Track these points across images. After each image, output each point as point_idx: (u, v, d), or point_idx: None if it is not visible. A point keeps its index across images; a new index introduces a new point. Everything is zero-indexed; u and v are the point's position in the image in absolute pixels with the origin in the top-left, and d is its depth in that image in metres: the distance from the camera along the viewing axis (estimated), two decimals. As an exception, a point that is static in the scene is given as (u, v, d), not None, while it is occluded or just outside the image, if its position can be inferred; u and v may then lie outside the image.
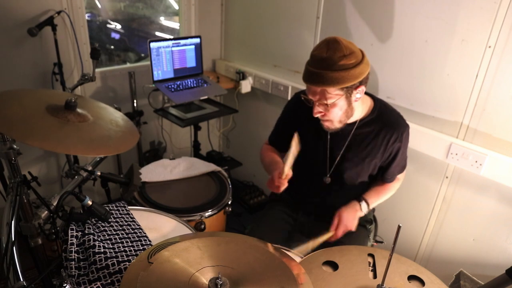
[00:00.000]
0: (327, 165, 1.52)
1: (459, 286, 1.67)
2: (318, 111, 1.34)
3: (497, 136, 1.60)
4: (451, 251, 1.89)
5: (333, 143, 1.48)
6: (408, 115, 1.88)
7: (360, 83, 1.29)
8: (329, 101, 1.30)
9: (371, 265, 1.08)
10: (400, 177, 1.63)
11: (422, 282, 1.04)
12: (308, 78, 1.30)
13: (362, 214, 1.51)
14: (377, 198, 1.56)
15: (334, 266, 1.07)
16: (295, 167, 1.60)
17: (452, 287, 1.71)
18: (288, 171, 1.39)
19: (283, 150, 1.67)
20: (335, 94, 1.28)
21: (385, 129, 1.42)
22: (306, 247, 1.41)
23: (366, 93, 1.46)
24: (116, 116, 1.24)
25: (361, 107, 1.43)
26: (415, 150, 1.86)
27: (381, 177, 1.57)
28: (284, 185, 1.39)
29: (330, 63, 1.23)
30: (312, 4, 2.20)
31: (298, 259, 1.12)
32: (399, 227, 0.86)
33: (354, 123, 1.44)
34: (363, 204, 1.50)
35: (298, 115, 1.53)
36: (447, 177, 1.82)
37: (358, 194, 1.56)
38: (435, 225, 1.93)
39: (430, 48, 1.73)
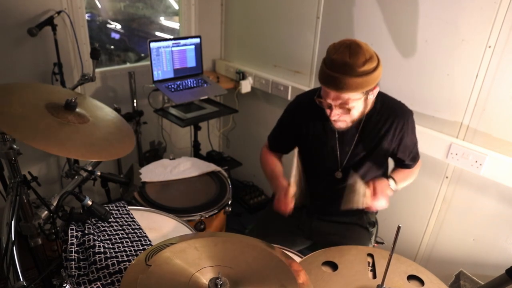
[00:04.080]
0: (337, 160, 1.52)
1: (459, 286, 1.67)
2: (334, 114, 1.34)
3: (497, 136, 1.60)
4: (451, 251, 1.89)
5: (342, 139, 1.49)
6: (408, 115, 1.88)
7: (377, 84, 1.31)
8: (351, 105, 1.30)
9: (371, 265, 1.08)
10: (418, 164, 1.64)
11: (421, 282, 1.04)
12: (330, 83, 1.27)
13: (391, 192, 1.48)
14: (403, 179, 1.56)
15: (333, 266, 1.07)
16: (303, 166, 1.60)
17: (452, 287, 1.71)
18: (293, 189, 1.39)
19: (283, 152, 1.68)
20: (356, 99, 1.29)
21: (390, 118, 1.44)
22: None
23: None
24: (112, 117, 1.24)
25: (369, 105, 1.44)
26: (415, 150, 1.86)
27: (402, 165, 1.58)
28: (292, 206, 1.40)
29: (353, 68, 1.22)
30: (312, 4, 2.20)
31: (297, 259, 1.12)
32: (398, 227, 0.86)
33: (361, 120, 1.44)
34: (391, 181, 1.49)
35: (300, 118, 1.54)
36: (447, 177, 1.82)
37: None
38: (435, 225, 1.93)
39: (430, 48, 1.73)
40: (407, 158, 1.55)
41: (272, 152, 1.68)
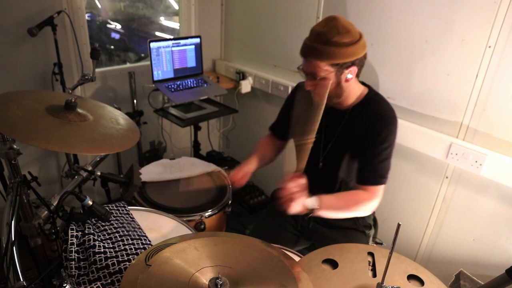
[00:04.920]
0: (320, 150, 1.52)
1: (459, 286, 1.67)
2: (308, 84, 1.38)
3: (497, 136, 1.60)
4: (451, 251, 1.89)
5: (328, 129, 1.49)
6: (408, 115, 1.88)
7: (353, 64, 1.31)
8: (319, 75, 1.32)
9: (371, 264, 1.08)
10: (378, 193, 1.43)
11: (421, 281, 1.04)
12: (302, 50, 1.35)
13: (306, 205, 1.34)
14: (333, 203, 1.41)
15: (333, 264, 1.07)
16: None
17: (452, 287, 1.71)
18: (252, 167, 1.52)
19: (282, 137, 1.71)
20: (325, 69, 1.31)
21: (369, 120, 1.39)
22: None
23: (364, 84, 1.47)
24: (116, 115, 1.25)
25: (355, 94, 1.42)
26: (415, 150, 1.85)
27: (356, 176, 1.46)
28: (241, 182, 1.53)
29: (324, 38, 1.27)
30: (312, 4, 2.20)
31: (297, 259, 1.12)
32: (398, 225, 0.86)
33: (347, 110, 1.44)
34: (313, 198, 1.36)
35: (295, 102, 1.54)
36: (447, 177, 1.82)
37: (349, 183, 1.52)
38: (435, 225, 1.93)
39: (430, 48, 1.73)
40: (371, 173, 1.41)
41: (274, 137, 1.74)
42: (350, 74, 1.33)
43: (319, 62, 1.30)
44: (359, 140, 1.42)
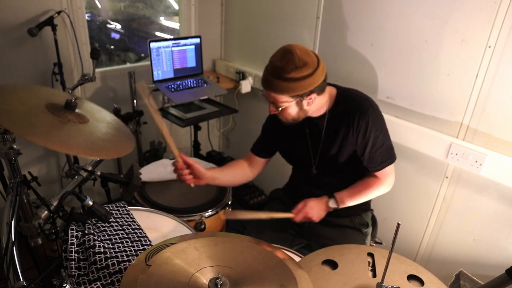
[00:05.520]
0: (311, 157, 1.55)
1: (459, 286, 1.67)
2: (271, 110, 1.42)
3: (497, 136, 1.60)
4: (451, 251, 1.89)
5: (312, 136, 1.52)
6: (408, 115, 1.88)
7: (312, 92, 1.34)
8: (279, 106, 1.37)
9: (371, 264, 1.08)
10: (387, 173, 1.52)
11: (421, 282, 1.04)
12: (262, 82, 1.38)
13: (331, 209, 1.52)
14: (352, 197, 1.52)
15: (333, 265, 1.07)
16: (289, 163, 1.69)
17: (452, 287, 1.71)
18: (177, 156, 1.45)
19: (262, 155, 1.71)
20: (284, 101, 1.35)
21: (346, 116, 1.42)
22: (258, 215, 1.53)
23: (332, 84, 1.49)
24: (111, 119, 1.25)
25: (323, 103, 1.45)
26: (415, 150, 1.85)
27: (367, 166, 1.50)
28: (185, 175, 1.45)
29: (281, 72, 1.29)
30: (312, 4, 2.20)
31: (297, 259, 1.12)
32: (398, 224, 0.86)
33: (324, 115, 1.46)
34: (332, 200, 1.51)
35: (278, 122, 1.54)
36: (447, 177, 1.82)
37: (345, 185, 1.55)
38: (435, 225, 1.93)
39: (430, 48, 1.73)
40: (378, 158, 1.47)
41: (253, 155, 1.73)
42: (310, 99, 1.37)
43: (277, 96, 1.34)
44: (344, 138, 1.45)
